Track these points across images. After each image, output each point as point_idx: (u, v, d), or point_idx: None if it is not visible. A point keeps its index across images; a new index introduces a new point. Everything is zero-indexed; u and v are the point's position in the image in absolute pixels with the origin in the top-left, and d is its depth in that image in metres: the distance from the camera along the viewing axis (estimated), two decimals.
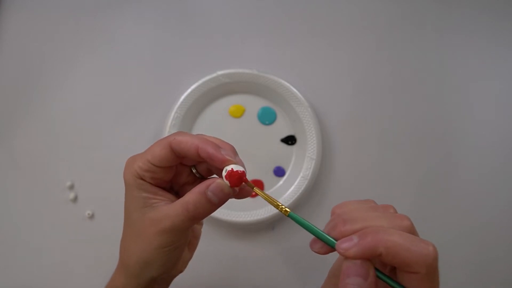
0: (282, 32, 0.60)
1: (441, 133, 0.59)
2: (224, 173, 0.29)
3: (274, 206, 0.30)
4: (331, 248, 0.27)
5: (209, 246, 0.56)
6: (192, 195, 0.29)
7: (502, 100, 0.60)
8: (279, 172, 0.57)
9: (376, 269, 0.26)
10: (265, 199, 0.30)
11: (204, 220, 0.56)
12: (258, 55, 0.60)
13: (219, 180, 0.29)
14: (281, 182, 0.57)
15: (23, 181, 0.56)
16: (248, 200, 0.56)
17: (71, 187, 0.56)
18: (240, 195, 0.32)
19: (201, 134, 0.32)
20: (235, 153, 0.31)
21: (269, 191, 0.57)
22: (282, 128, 0.58)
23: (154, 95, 0.58)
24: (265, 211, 0.54)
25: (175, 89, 0.57)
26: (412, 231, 0.27)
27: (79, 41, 0.59)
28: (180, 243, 0.32)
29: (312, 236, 0.29)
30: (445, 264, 0.59)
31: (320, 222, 0.59)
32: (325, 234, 0.28)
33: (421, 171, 0.58)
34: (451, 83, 0.60)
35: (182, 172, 0.33)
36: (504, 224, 0.58)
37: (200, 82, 0.55)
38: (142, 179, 0.31)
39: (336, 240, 0.27)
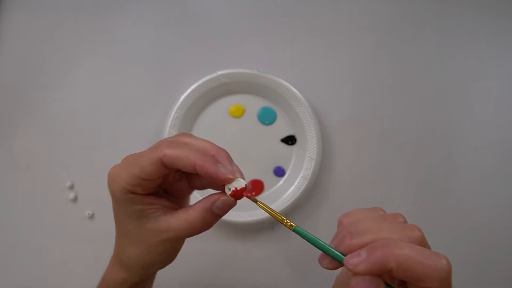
0: (282, 32, 0.60)
1: (441, 133, 0.59)
2: (228, 192, 0.29)
3: (279, 221, 0.30)
4: (340, 263, 0.26)
5: (209, 246, 0.56)
6: (198, 213, 0.30)
7: (502, 100, 0.60)
8: (279, 172, 0.57)
9: (387, 284, 0.25)
10: (269, 213, 0.30)
11: None
12: (258, 55, 0.60)
13: (224, 197, 0.30)
14: (281, 182, 0.57)
15: (23, 181, 0.56)
16: (248, 200, 0.56)
17: (71, 187, 0.56)
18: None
19: (189, 137, 0.31)
20: (230, 160, 0.30)
21: (269, 191, 0.57)
22: (282, 128, 0.58)
23: (154, 95, 0.58)
24: (265, 211, 0.54)
25: (175, 89, 0.57)
26: (423, 242, 0.26)
27: (79, 41, 0.59)
28: (179, 247, 0.33)
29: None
30: None
31: (321, 223, 0.59)
32: (332, 249, 0.27)
33: (421, 171, 0.58)
34: (451, 83, 0.60)
35: (169, 173, 0.32)
36: (504, 224, 0.58)
37: (200, 82, 0.55)
38: (133, 193, 0.30)
39: (344, 255, 0.26)
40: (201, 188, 0.33)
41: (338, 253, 0.26)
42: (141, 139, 0.57)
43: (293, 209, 0.55)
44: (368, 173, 0.58)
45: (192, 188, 0.33)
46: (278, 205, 0.54)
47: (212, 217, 0.30)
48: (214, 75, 0.56)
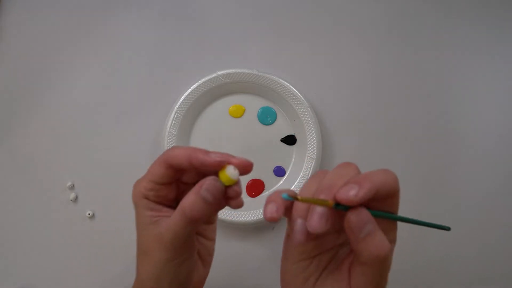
0: (282, 32, 0.60)
1: (441, 133, 0.59)
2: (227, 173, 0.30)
3: (325, 205, 0.27)
4: (335, 212, 0.27)
5: None
6: (187, 198, 0.30)
7: (503, 99, 0.60)
8: (279, 172, 0.57)
9: (368, 209, 0.27)
10: (310, 201, 0.28)
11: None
12: (258, 55, 0.60)
13: (211, 177, 0.30)
14: (281, 182, 0.57)
15: (24, 181, 0.56)
16: (248, 200, 0.56)
17: (72, 187, 0.56)
18: (233, 204, 0.32)
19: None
20: (228, 154, 0.31)
21: (269, 191, 0.57)
22: (282, 128, 0.58)
23: (154, 95, 0.58)
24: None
25: (175, 89, 0.57)
26: (359, 170, 0.30)
27: (79, 41, 0.59)
28: (185, 256, 0.32)
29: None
30: (446, 262, 0.60)
31: None
32: (320, 200, 0.27)
33: (421, 170, 0.58)
34: (451, 83, 0.60)
35: (186, 190, 0.33)
36: (505, 224, 0.58)
37: (200, 82, 0.56)
38: (147, 198, 0.32)
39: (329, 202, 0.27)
40: None
41: (326, 200, 0.27)
42: (141, 139, 0.57)
43: None
44: None
45: None
46: None
47: (201, 201, 0.29)
48: (214, 75, 0.56)
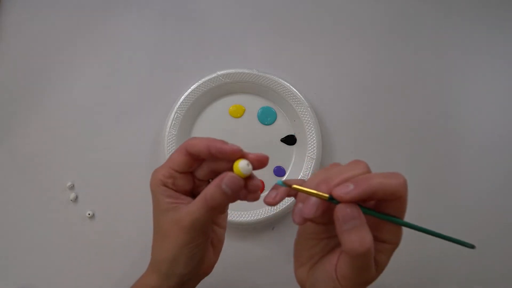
0: (282, 32, 0.60)
1: (441, 133, 0.59)
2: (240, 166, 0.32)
3: (319, 197, 0.30)
4: (326, 203, 0.30)
5: None
6: (209, 188, 0.32)
7: (503, 99, 0.60)
8: (279, 172, 0.57)
9: (361, 206, 0.29)
10: (307, 192, 0.31)
11: None
12: (258, 55, 0.60)
13: (231, 173, 0.32)
14: None
15: (24, 181, 0.56)
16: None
17: (72, 187, 0.56)
18: (251, 197, 0.34)
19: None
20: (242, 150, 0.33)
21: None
22: (282, 128, 0.58)
23: (154, 95, 0.58)
24: (265, 211, 0.54)
25: (175, 89, 0.57)
26: (369, 169, 0.32)
27: (79, 41, 0.59)
28: (201, 240, 0.34)
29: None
30: (446, 262, 0.60)
31: None
32: (317, 192, 0.30)
33: (421, 171, 0.58)
34: (451, 83, 0.60)
35: (202, 184, 0.36)
36: (505, 224, 0.58)
37: (200, 82, 0.56)
38: (165, 185, 0.34)
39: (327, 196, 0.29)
40: None
41: (325, 194, 0.30)
42: (141, 139, 0.57)
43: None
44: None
45: None
46: (278, 205, 0.54)
47: (221, 194, 0.31)
48: (214, 75, 0.56)
